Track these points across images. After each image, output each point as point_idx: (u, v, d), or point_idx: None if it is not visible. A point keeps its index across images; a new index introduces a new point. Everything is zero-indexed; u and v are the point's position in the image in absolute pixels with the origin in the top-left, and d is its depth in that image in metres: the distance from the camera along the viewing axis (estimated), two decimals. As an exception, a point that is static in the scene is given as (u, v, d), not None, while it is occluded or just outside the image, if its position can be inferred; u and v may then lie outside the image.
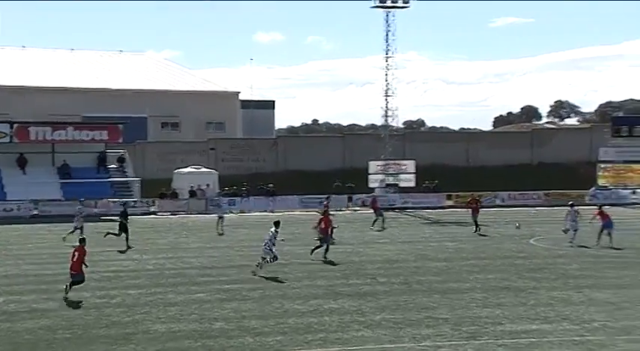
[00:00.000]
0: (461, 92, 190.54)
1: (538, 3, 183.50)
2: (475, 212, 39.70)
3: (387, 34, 60.09)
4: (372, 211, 43.92)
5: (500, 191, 57.89)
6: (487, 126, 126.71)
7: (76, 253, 22.42)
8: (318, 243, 29.86)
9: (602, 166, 60.26)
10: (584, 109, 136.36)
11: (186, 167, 58.53)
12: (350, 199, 55.51)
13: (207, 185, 55.39)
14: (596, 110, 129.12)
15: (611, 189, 58.48)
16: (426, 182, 59.19)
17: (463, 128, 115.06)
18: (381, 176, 59.06)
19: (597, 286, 23.51)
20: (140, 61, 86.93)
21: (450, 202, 56.78)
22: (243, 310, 20.66)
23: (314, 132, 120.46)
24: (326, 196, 47.04)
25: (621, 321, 18.90)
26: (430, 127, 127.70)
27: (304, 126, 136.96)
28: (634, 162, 59.12)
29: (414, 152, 62.27)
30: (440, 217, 48.70)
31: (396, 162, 59.61)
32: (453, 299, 21.76)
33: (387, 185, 58.55)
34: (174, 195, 55.17)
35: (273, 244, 26.18)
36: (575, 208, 33.97)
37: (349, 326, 18.78)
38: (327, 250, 29.31)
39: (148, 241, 35.72)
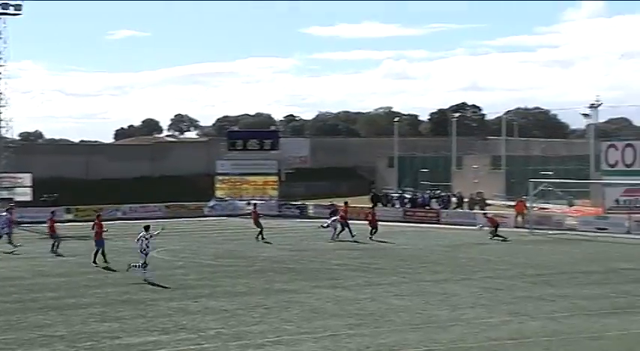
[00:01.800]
0: (81, 104, 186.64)
1: (155, 17, 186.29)
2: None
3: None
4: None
5: (122, 204, 57.59)
6: (109, 138, 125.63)
7: None
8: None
9: (220, 178, 62.55)
10: (202, 123, 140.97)
11: None
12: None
13: None
14: (214, 124, 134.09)
15: (228, 200, 60.88)
16: (45, 196, 57.00)
17: (84, 140, 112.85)
18: (-7, 190, 55.78)
19: (213, 295, 24.28)
20: None
21: (69, 216, 55.20)
22: None
23: None
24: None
25: (234, 327, 19.70)
26: (49, 139, 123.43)
27: None
28: (248, 174, 62.16)
29: (32, 165, 59.63)
30: (59, 232, 47.03)
31: (11, 175, 56.65)
32: (70, 315, 21.15)
33: (2, 200, 55.35)
34: None
35: (148, 247, 27.01)
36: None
37: (-45, 352, 17.44)
38: (103, 253, 31.27)
39: None
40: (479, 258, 33.09)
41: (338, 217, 41.55)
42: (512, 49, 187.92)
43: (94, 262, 31.20)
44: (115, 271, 29.63)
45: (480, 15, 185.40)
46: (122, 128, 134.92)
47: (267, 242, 39.54)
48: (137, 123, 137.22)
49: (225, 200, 60.91)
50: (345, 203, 43.85)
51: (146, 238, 27.17)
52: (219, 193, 61.91)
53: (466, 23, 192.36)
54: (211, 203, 60.05)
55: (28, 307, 22.48)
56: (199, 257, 33.75)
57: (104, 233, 32.35)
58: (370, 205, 49.34)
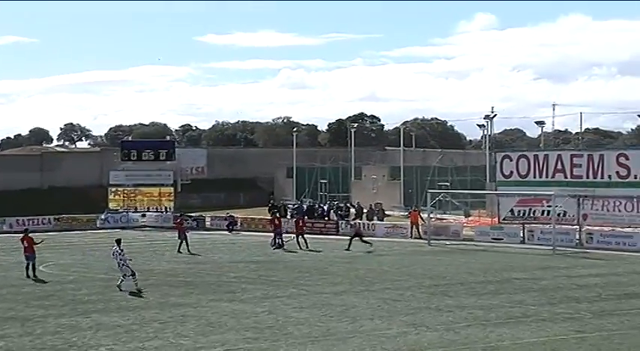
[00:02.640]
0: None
1: (43, 23, 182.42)
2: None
3: None
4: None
5: (8, 216, 55.87)
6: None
7: None
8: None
9: (113, 189, 61.44)
10: (95, 133, 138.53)
11: None
12: None
13: None
14: (106, 134, 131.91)
15: (122, 212, 59.85)
16: None
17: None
18: None
19: (106, 310, 23.84)
20: None
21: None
22: None
23: None
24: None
25: (128, 343, 19.39)
26: None
27: None
28: (143, 185, 61.27)
29: None
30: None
31: None
32: (-48, 335, 20.44)
33: None
34: None
35: (129, 259, 27.92)
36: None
37: None
38: (33, 267, 31.29)
39: None
40: (377, 269, 33.48)
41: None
42: (409, 59, 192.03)
43: (27, 275, 31.11)
44: (44, 282, 29.73)
45: (377, 25, 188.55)
46: (8, 137, 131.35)
47: (193, 253, 39.44)
48: (25, 132, 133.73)
49: (120, 212, 59.86)
50: (274, 213, 45.95)
51: (120, 253, 27.69)
52: (112, 205, 60.78)
53: (363, 33, 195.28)
54: (104, 215, 58.90)
55: None
56: (91, 271, 33.03)
57: (36, 246, 31.99)
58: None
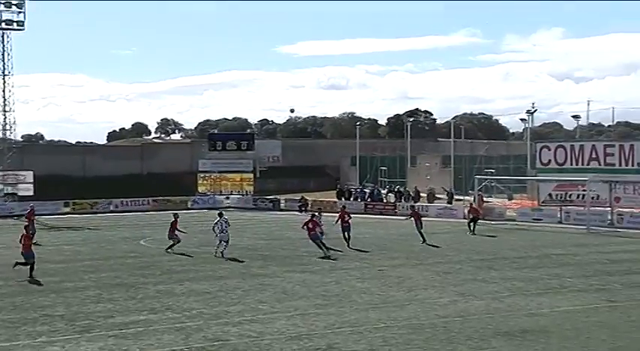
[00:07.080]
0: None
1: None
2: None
3: (3, 55, 56.39)
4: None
5: (114, 198, 57.17)
6: (102, 140, 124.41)
7: None
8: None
9: (202, 175, 62.38)
10: (186, 126, 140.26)
11: None
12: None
13: None
14: (196, 127, 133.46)
15: (209, 195, 60.68)
16: None
17: (79, 141, 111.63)
18: (0, 186, 55.10)
19: (197, 279, 24.19)
20: None
21: (67, 209, 54.81)
22: None
23: None
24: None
25: (215, 307, 19.65)
26: (49, 141, 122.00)
27: None
28: (227, 172, 62.11)
29: (33, 164, 58.84)
30: (57, 223, 46.65)
31: (15, 172, 56.00)
32: (68, 297, 20.98)
33: (6, 195, 54.85)
34: None
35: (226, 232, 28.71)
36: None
37: (-36, 331, 17.18)
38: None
39: None
40: (429, 245, 33.27)
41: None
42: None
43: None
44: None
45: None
46: (114, 131, 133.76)
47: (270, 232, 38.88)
48: (127, 126, 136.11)
49: (207, 195, 60.77)
50: (343, 207, 37.76)
51: (226, 223, 28.79)
52: (201, 189, 61.81)
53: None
54: (194, 198, 59.82)
55: (31, 289, 22.31)
56: (184, 245, 33.28)
57: None
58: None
